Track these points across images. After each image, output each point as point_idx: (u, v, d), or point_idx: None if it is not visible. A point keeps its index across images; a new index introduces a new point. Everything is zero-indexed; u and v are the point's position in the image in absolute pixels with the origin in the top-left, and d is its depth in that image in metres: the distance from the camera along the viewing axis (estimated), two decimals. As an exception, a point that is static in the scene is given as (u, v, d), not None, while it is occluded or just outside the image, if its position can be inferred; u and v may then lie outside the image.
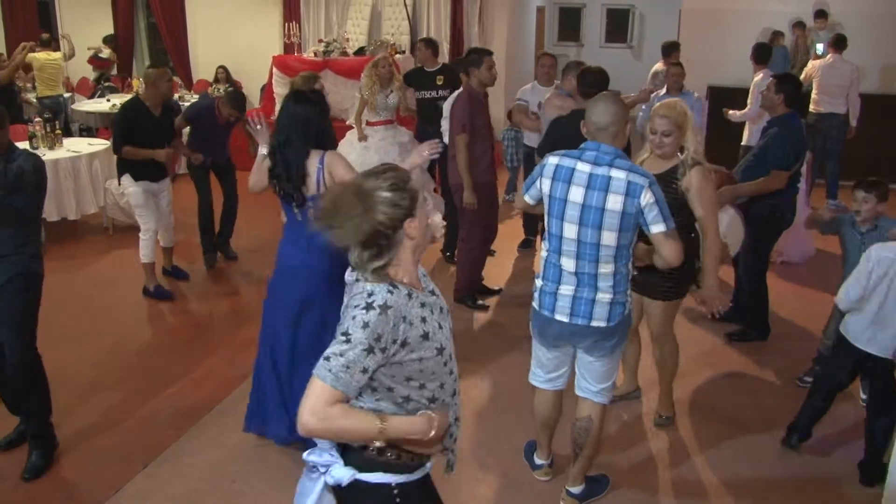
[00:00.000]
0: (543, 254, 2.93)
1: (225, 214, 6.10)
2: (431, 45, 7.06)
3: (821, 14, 8.87)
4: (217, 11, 11.01)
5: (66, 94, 9.77)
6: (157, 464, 3.48)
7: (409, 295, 1.82)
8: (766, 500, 3.29)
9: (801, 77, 7.62)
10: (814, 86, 7.73)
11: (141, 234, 5.31)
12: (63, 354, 4.33)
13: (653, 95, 6.35)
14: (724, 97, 8.00)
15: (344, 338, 1.73)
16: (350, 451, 1.89)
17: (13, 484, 3.34)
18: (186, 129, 5.85)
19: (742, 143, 7.06)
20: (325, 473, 1.88)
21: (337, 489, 1.89)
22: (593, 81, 4.01)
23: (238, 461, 3.50)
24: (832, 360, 3.51)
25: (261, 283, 5.72)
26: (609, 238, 2.71)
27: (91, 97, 10.26)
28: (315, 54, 9.50)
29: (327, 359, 1.72)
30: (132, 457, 3.52)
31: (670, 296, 3.48)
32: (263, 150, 3.49)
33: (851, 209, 3.79)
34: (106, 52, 10.76)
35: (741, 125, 7.16)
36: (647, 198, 2.65)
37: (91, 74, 11.06)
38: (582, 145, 2.81)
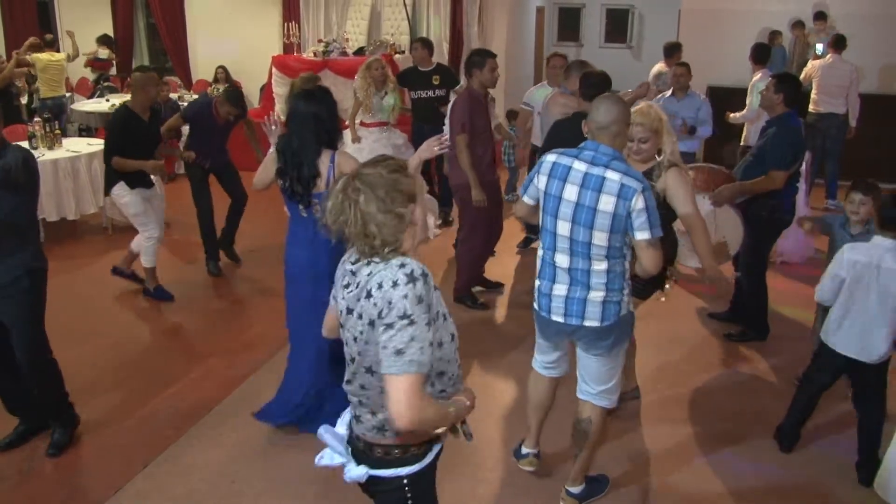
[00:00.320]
0: (540, 252, 2.97)
1: (231, 214, 6.00)
2: (428, 44, 7.08)
3: (820, 16, 8.88)
4: (217, 11, 11.02)
5: (67, 95, 9.76)
6: (157, 464, 3.49)
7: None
8: (765, 501, 3.29)
9: (801, 77, 7.63)
10: (813, 86, 7.73)
11: (144, 242, 5.26)
12: (63, 354, 4.31)
13: (658, 97, 6.35)
14: (724, 97, 8.01)
15: (406, 321, 1.72)
16: (357, 451, 1.98)
17: (13, 484, 3.34)
18: (185, 129, 5.83)
19: (741, 144, 7.07)
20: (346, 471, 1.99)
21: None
22: (595, 83, 4.01)
23: (238, 461, 3.50)
24: (814, 364, 3.51)
25: (261, 282, 5.73)
26: (600, 238, 2.73)
27: (91, 97, 10.26)
28: (315, 54, 9.50)
29: (400, 352, 1.71)
30: (132, 457, 3.52)
31: (634, 292, 3.47)
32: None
33: (846, 210, 3.78)
34: (104, 53, 10.73)
35: (741, 125, 7.16)
36: (638, 203, 2.66)
37: (91, 75, 11.05)
38: (581, 144, 2.83)
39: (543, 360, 3.21)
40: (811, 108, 7.72)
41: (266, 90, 10.00)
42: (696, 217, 3.17)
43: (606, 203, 2.68)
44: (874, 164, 8.34)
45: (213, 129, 5.61)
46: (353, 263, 1.90)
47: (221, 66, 10.52)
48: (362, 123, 6.64)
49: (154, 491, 3.31)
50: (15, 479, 3.36)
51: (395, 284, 1.74)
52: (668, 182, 3.16)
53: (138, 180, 5.15)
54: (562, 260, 2.84)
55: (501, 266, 5.94)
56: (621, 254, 2.80)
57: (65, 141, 7.04)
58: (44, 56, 8.94)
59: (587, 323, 2.84)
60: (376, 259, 1.82)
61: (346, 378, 1.97)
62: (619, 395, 3.13)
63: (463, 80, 7.50)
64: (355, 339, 1.86)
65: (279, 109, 9.50)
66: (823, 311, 3.53)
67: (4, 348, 3.39)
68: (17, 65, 8.39)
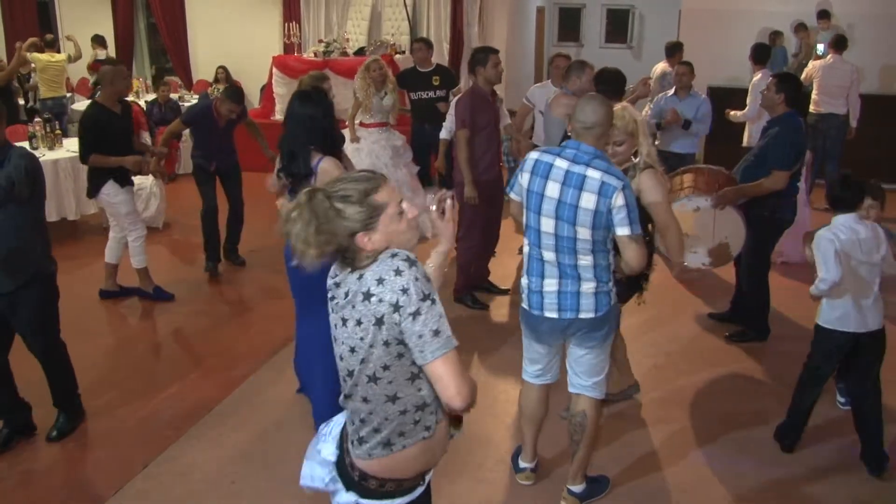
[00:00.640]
0: (526, 248, 2.98)
1: (231, 220, 5.98)
2: (430, 45, 7.08)
3: (824, 14, 8.87)
4: (217, 11, 11.02)
5: (68, 95, 9.77)
6: (157, 464, 3.48)
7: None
8: (766, 500, 3.29)
9: (802, 77, 7.63)
10: (814, 86, 7.73)
11: (131, 242, 5.18)
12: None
13: (659, 96, 6.35)
14: (724, 97, 7.99)
15: (429, 301, 1.72)
16: (348, 479, 1.93)
17: (13, 484, 3.34)
18: (187, 132, 5.82)
19: (743, 145, 7.05)
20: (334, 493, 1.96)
21: None
22: (610, 80, 4.00)
23: (238, 461, 3.50)
24: (817, 355, 3.51)
25: (261, 282, 5.73)
26: (584, 233, 2.77)
27: (91, 97, 10.25)
28: (315, 54, 9.51)
29: (437, 332, 1.71)
30: (132, 457, 3.52)
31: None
32: None
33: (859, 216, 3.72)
34: (102, 54, 10.71)
35: (741, 125, 7.16)
36: (618, 200, 2.70)
37: (91, 76, 11.03)
38: (563, 143, 2.88)
39: (533, 369, 3.17)
40: (812, 108, 7.72)
41: (266, 90, 10.01)
42: (670, 220, 3.18)
43: (588, 200, 2.72)
44: (874, 164, 8.32)
45: (214, 130, 5.58)
46: (333, 277, 1.87)
47: (221, 66, 10.52)
48: (361, 124, 6.63)
49: (154, 491, 3.31)
50: (15, 480, 3.36)
51: (398, 272, 1.72)
52: (642, 183, 3.17)
53: (126, 177, 5.06)
54: (548, 255, 2.87)
55: (502, 266, 5.94)
56: (605, 248, 2.85)
57: (65, 141, 7.04)
58: (43, 56, 8.94)
59: (583, 315, 2.87)
60: (361, 264, 1.79)
61: (343, 395, 1.90)
62: (608, 387, 3.20)
63: (463, 81, 7.53)
64: (353, 349, 1.80)
65: (279, 109, 9.53)
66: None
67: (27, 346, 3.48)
68: (19, 61, 8.39)
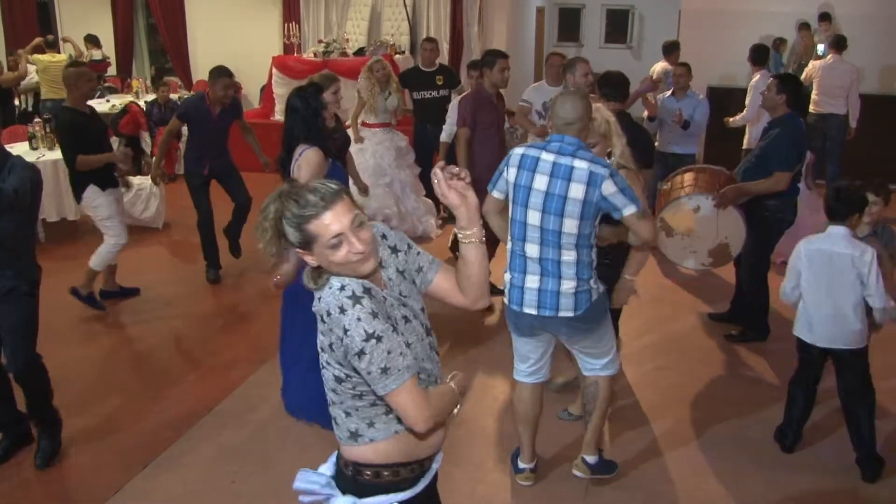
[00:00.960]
0: (509, 244, 3.00)
1: (236, 216, 5.82)
2: (437, 45, 7.10)
3: (825, 17, 8.87)
4: (216, 12, 11.02)
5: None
6: (157, 464, 3.48)
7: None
8: (766, 500, 3.29)
9: (802, 77, 7.63)
10: (814, 86, 7.73)
11: (109, 247, 5.03)
12: (63, 355, 4.33)
13: (659, 97, 6.35)
14: (724, 97, 8.01)
15: (374, 340, 1.66)
16: (344, 479, 1.89)
17: (13, 485, 3.34)
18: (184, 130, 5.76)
19: (743, 147, 7.05)
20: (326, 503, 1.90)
21: None
22: (615, 83, 4.00)
23: (238, 461, 3.50)
24: (798, 361, 3.54)
25: (261, 282, 5.72)
26: (570, 226, 2.81)
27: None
28: (315, 55, 9.51)
29: (386, 370, 1.67)
30: (132, 457, 3.52)
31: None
32: None
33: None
34: (97, 54, 10.67)
35: (742, 126, 7.15)
36: (609, 187, 2.77)
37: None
38: (549, 138, 2.92)
39: (525, 367, 3.19)
40: (812, 108, 7.71)
41: (266, 90, 10.01)
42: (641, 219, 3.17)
43: (576, 191, 2.77)
44: (874, 164, 8.33)
45: (210, 124, 5.44)
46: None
47: (221, 67, 10.51)
48: (364, 124, 6.63)
49: (154, 491, 3.31)
50: (15, 481, 3.36)
51: (342, 310, 1.67)
52: None
53: (109, 180, 4.96)
54: (532, 250, 2.89)
55: (502, 266, 5.93)
56: (589, 243, 2.90)
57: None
58: (45, 57, 8.94)
59: (562, 314, 2.91)
60: (324, 278, 1.76)
61: (324, 380, 1.89)
62: (619, 361, 3.26)
63: (463, 81, 7.52)
64: (321, 349, 1.79)
65: (279, 110, 9.53)
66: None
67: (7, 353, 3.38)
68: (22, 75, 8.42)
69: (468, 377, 1.97)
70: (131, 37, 11.85)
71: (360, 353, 1.67)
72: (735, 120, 6.95)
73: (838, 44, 7.65)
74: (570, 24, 14.56)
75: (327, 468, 1.97)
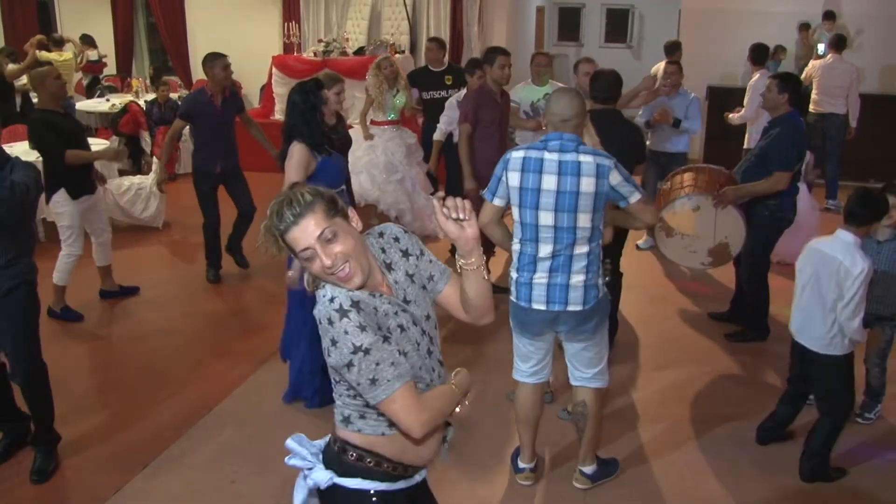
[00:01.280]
0: (516, 246, 2.98)
1: (238, 224, 5.75)
2: (442, 45, 7.10)
3: (829, 15, 8.86)
4: (216, 11, 11.01)
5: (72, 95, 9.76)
6: (157, 464, 3.48)
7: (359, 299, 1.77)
8: (765, 499, 3.29)
9: (802, 77, 7.63)
10: (814, 86, 7.73)
11: (63, 257, 4.88)
12: (63, 355, 4.33)
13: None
14: (724, 97, 8.01)
15: (361, 353, 1.66)
16: (330, 453, 1.89)
17: (14, 485, 3.34)
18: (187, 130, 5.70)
19: (744, 147, 7.04)
20: (306, 476, 1.90)
21: (318, 491, 1.90)
22: (606, 86, 4.00)
23: (238, 461, 3.50)
24: (790, 357, 3.55)
25: (261, 282, 5.73)
26: (584, 220, 2.85)
27: (91, 97, 10.25)
28: (315, 54, 9.50)
29: (374, 381, 1.67)
30: (132, 457, 3.52)
31: None
32: None
33: None
34: (93, 55, 10.65)
35: (742, 126, 7.15)
36: (615, 177, 2.84)
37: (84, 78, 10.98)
38: (543, 137, 2.93)
39: (526, 367, 3.18)
40: (812, 108, 7.71)
41: (266, 90, 10.01)
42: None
43: (588, 185, 2.81)
44: (874, 164, 8.34)
45: (214, 119, 5.36)
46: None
47: (222, 66, 10.50)
48: (372, 122, 6.65)
49: (154, 491, 3.31)
50: (15, 481, 3.36)
51: (330, 322, 1.69)
52: None
53: (83, 188, 4.81)
54: (545, 250, 2.89)
55: (502, 265, 5.94)
56: (599, 234, 2.94)
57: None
58: (53, 55, 8.96)
59: (570, 308, 2.92)
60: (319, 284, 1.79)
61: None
62: (609, 374, 3.23)
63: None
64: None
65: (279, 109, 9.53)
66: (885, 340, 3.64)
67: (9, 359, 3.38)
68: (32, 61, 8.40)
69: (469, 375, 1.96)
70: (131, 36, 11.84)
71: (349, 365, 1.67)
72: (734, 117, 6.94)
73: (838, 43, 7.65)
74: (570, 23, 14.56)
75: (321, 441, 1.99)
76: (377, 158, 6.44)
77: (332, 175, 3.70)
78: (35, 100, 8.94)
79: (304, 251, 1.69)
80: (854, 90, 7.58)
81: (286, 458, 1.95)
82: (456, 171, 5.28)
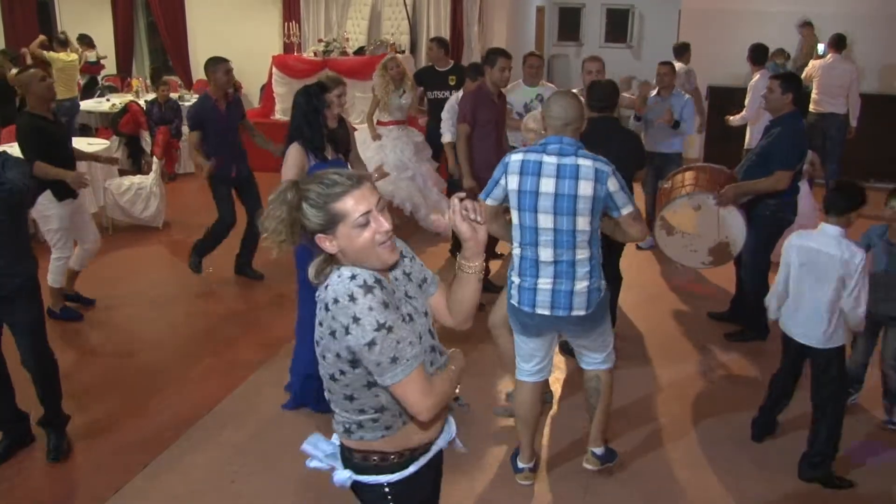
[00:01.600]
0: (516, 250, 2.99)
1: (247, 237, 5.68)
2: (443, 44, 7.09)
3: (806, 24, 8.86)
4: (216, 11, 11.00)
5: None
6: (157, 464, 3.48)
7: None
8: (765, 499, 3.29)
9: (802, 76, 7.63)
10: (814, 86, 7.73)
11: (54, 261, 4.85)
12: (63, 355, 4.31)
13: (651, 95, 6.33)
14: (724, 97, 8.01)
15: (384, 330, 1.67)
16: (343, 456, 1.96)
17: (14, 485, 3.34)
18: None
19: (745, 147, 7.04)
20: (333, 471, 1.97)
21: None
22: (603, 97, 4.00)
23: (238, 461, 3.50)
24: (782, 355, 3.57)
25: (261, 282, 5.72)
26: (583, 223, 2.86)
27: (91, 97, 10.25)
28: (315, 54, 9.50)
29: (395, 360, 1.68)
30: (132, 457, 3.52)
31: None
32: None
33: (883, 216, 3.63)
34: (92, 56, 10.64)
35: (743, 126, 7.15)
36: (613, 184, 2.85)
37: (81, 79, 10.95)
38: (544, 140, 2.93)
39: (529, 366, 3.20)
40: (812, 107, 7.72)
41: (266, 90, 10.00)
42: None
43: (585, 188, 2.82)
44: (874, 164, 8.34)
45: (221, 124, 5.34)
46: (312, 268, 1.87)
47: (222, 66, 10.49)
48: (379, 122, 6.67)
49: (154, 491, 3.31)
50: (14, 480, 3.36)
51: (352, 298, 1.67)
52: None
53: (68, 191, 4.70)
54: (545, 254, 2.90)
55: (502, 265, 5.94)
56: (598, 238, 2.95)
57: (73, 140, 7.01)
58: (62, 55, 8.98)
59: (575, 312, 2.95)
60: (328, 270, 1.78)
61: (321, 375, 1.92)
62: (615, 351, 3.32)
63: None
64: (317, 342, 1.81)
65: (279, 109, 9.53)
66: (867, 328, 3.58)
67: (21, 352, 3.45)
68: (34, 59, 8.43)
69: (461, 353, 2.00)
70: (131, 36, 11.83)
71: (371, 344, 1.67)
72: (735, 119, 6.95)
73: (838, 43, 7.65)
74: (570, 23, 14.55)
75: (336, 437, 2.01)
76: (387, 157, 6.49)
77: None
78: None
79: (363, 215, 1.70)
80: (854, 90, 7.59)
81: (307, 462, 2.00)
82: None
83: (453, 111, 5.60)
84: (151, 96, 9.23)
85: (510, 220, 3.04)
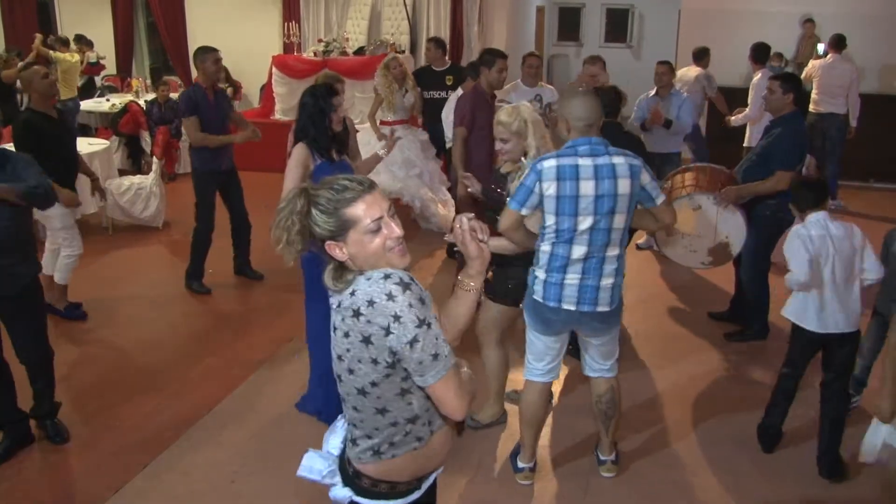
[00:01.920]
0: (546, 247, 2.95)
1: (238, 236, 5.61)
2: (441, 44, 7.09)
3: (809, 21, 8.89)
4: (216, 11, 11.00)
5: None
6: (157, 464, 3.48)
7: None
8: (765, 498, 3.29)
9: (802, 77, 7.63)
10: (814, 86, 7.73)
11: (64, 258, 4.86)
12: (63, 355, 4.31)
13: (641, 97, 6.31)
14: (725, 97, 8.00)
15: (425, 326, 1.65)
16: (345, 472, 1.93)
17: (13, 485, 3.34)
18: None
19: (744, 145, 7.05)
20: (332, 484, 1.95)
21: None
22: (607, 102, 4.01)
23: (237, 461, 3.50)
24: (793, 351, 3.51)
25: (261, 283, 5.72)
26: (620, 221, 2.89)
27: (89, 97, 10.25)
28: (315, 54, 9.50)
29: (437, 356, 1.67)
30: (132, 457, 3.52)
31: (508, 299, 3.49)
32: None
33: None
34: (92, 56, 10.63)
35: (743, 125, 7.15)
36: (645, 177, 2.90)
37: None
38: (570, 142, 2.91)
39: (541, 365, 3.19)
40: (812, 108, 7.71)
41: (266, 90, 10.01)
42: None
43: (624, 186, 2.84)
44: (874, 164, 8.34)
45: (209, 113, 5.21)
46: (327, 279, 1.82)
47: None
48: (382, 122, 6.67)
49: (154, 491, 3.30)
50: (15, 481, 3.36)
51: (390, 297, 1.64)
52: None
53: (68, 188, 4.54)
54: (578, 251, 2.90)
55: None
56: (627, 236, 2.99)
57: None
58: (67, 56, 9.01)
59: (599, 308, 2.97)
60: (350, 277, 1.74)
61: (341, 396, 1.87)
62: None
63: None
64: (339, 357, 1.77)
65: (279, 109, 9.53)
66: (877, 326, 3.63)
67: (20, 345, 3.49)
68: (37, 57, 8.43)
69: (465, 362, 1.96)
70: (131, 36, 11.83)
71: (413, 341, 1.65)
72: (737, 118, 6.94)
73: (838, 43, 7.65)
74: (569, 23, 14.55)
75: (335, 445, 1.99)
76: (394, 156, 6.47)
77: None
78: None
79: (374, 221, 1.69)
80: (854, 90, 7.58)
81: (299, 471, 1.98)
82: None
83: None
84: (151, 96, 9.24)
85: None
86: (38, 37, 9.07)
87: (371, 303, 1.65)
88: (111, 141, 8.35)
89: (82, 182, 5.10)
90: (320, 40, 9.91)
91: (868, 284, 3.32)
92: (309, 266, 3.55)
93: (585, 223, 2.84)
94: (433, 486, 2.03)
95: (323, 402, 3.68)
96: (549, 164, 2.86)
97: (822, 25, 8.93)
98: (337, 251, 1.72)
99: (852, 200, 7.94)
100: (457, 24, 10.09)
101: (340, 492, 1.91)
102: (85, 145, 6.98)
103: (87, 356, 4.58)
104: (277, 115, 9.50)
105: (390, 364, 1.70)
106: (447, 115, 5.99)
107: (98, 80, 10.91)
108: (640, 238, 6.43)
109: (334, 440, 2.01)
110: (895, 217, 6.97)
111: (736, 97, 7.66)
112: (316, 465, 1.96)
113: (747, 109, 6.93)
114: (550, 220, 2.89)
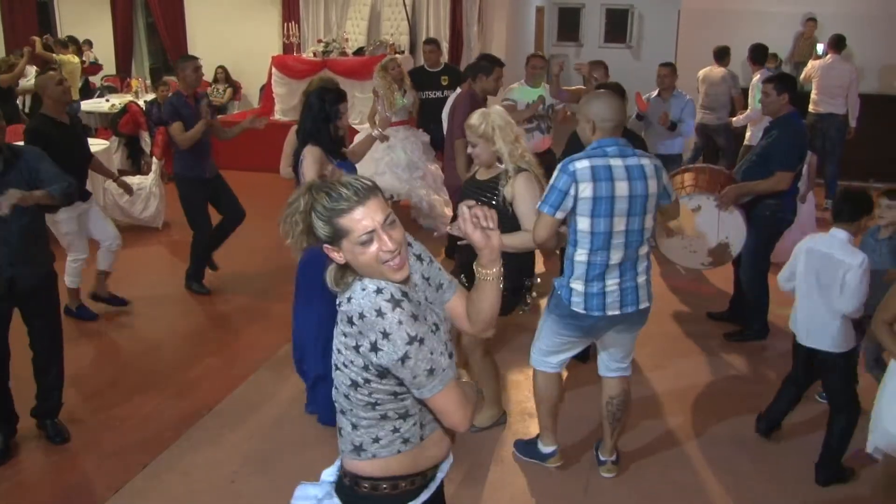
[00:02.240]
0: (582, 257, 2.91)
1: (222, 231, 5.52)
2: (439, 46, 7.10)
3: (811, 20, 8.90)
4: (216, 11, 11.01)
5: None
6: (157, 464, 3.48)
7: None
8: (765, 499, 3.29)
9: (801, 77, 7.64)
10: (813, 86, 7.73)
11: (70, 262, 4.87)
12: (63, 354, 4.32)
13: (645, 96, 6.32)
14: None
15: (417, 343, 1.62)
16: (342, 488, 1.87)
17: (13, 485, 3.34)
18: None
19: (744, 143, 7.06)
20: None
21: None
22: None
23: (237, 461, 3.50)
24: (793, 359, 3.58)
25: (260, 284, 5.72)
26: (650, 221, 2.95)
27: (87, 98, 10.25)
28: (314, 54, 9.50)
29: (432, 371, 1.65)
30: (132, 457, 3.52)
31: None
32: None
33: (876, 215, 3.61)
34: (91, 57, 10.62)
35: (743, 125, 7.16)
36: (664, 176, 2.97)
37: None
38: (596, 143, 2.90)
39: (556, 361, 3.24)
40: (811, 108, 7.72)
41: (266, 90, 10.00)
42: (531, 225, 3.09)
43: (653, 186, 2.89)
44: (874, 164, 8.34)
45: (192, 121, 5.14)
46: (329, 277, 1.81)
47: (221, 67, 10.50)
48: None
49: (154, 491, 3.30)
50: (14, 481, 3.36)
51: (380, 313, 1.62)
52: (516, 188, 3.18)
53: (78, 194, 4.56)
54: (616, 256, 2.91)
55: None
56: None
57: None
58: (70, 58, 9.02)
59: (641, 306, 3.02)
60: (350, 279, 1.73)
61: (335, 384, 1.82)
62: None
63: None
64: (338, 350, 1.74)
65: (279, 109, 9.53)
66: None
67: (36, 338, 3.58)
68: (36, 60, 8.44)
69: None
70: (131, 36, 11.83)
71: (404, 359, 1.62)
72: (739, 119, 6.95)
73: (837, 44, 7.65)
74: (569, 23, 14.55)
75: (330, 473, 1.95)
76: (398, 157, 6.50)
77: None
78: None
79: (366, 234, 1.64)
80: (853, 90, 7.59)
81: (297, 491, 1.96)
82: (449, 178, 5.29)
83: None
84: (151, 97, 9.24)
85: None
86: (37, 40, 9.07)
87: (361, 316, 1.65)
88: (111, 141, 8.34)
89: (96, 183, 5.12)
90: (320, 41, 9.91)
91: (841, 314, 3.23)
92: (304, 270, 3.55)
93: (620, 224, 2.85)
94: (440, 488, 1.98)
95: (322, 406, 3.67)
96: (583, 164, 2.83)
97: (821, 25, 8.92)
98: (335, 255, 1.72)
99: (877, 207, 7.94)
100: (456, 25, 10.08)
101: None
102: (85, 145, 6.99)
103: (86, 356, 4.58)
104: (277, 116, 9.49)
105: (380, 374, 1.68)
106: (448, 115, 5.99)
107: (97, 81, 10.91)
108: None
109: (328, 471, 1.95)
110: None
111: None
112: (310, 491, 1.90)
113: (748, 110, 6.94)
114: (584, 224, 2.85)
